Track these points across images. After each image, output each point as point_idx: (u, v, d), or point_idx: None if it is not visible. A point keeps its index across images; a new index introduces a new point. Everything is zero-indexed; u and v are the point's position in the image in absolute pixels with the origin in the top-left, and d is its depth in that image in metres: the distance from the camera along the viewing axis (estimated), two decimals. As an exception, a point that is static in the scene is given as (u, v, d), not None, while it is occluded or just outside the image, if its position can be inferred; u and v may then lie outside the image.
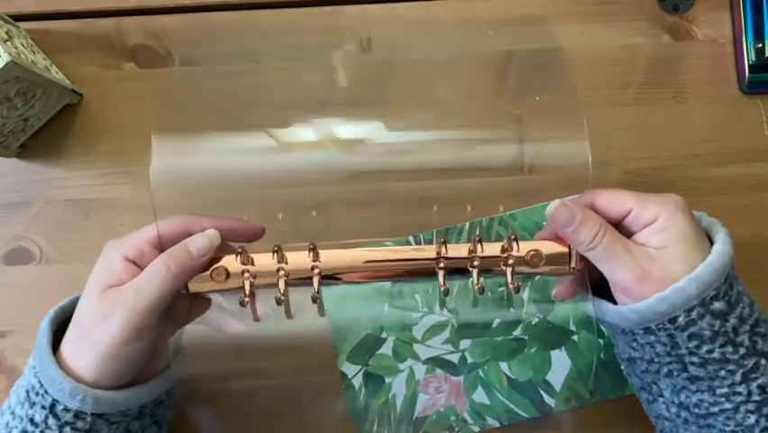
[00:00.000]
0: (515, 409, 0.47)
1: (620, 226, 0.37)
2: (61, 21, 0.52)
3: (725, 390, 0.34)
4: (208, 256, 0.37)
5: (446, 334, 0.48)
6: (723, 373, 0.34)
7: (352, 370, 0.47)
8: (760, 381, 0.34)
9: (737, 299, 0.35)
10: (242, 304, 0.38)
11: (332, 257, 0.39)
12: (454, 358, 0.48)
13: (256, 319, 0.39)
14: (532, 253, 0.38)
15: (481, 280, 0.39)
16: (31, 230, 0.50)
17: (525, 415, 0.47)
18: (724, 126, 0.51)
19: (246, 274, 0.38)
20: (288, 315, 0.39)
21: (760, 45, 0.50)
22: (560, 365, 0.47)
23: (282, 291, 0.38)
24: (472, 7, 0.52)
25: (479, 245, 0.38)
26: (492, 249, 0.39)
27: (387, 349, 0.48)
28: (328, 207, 0.48)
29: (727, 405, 0.35)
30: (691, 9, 0.52)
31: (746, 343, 0.34)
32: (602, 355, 0.47)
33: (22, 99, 0.46)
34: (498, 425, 0.47)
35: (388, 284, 0.48)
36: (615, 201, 0.37)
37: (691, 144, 0.51)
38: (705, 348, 0.34)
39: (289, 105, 0.51)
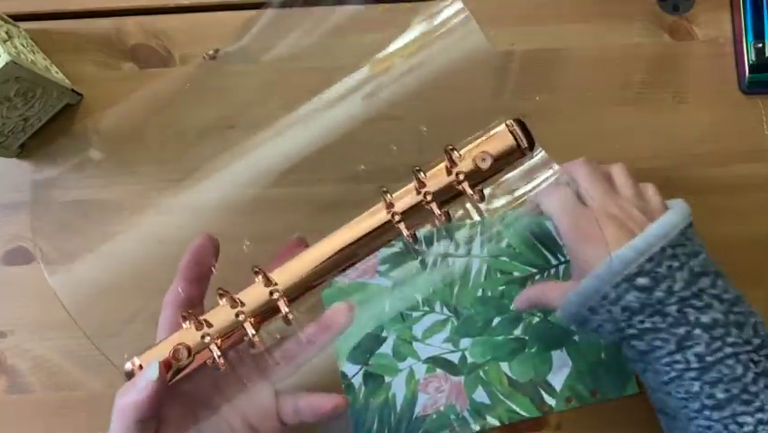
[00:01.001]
0: (515, 409, 0.47)
1: None
2: (61, 21, 0.52)
3: (666, 359, 0.37)
4: (156, 385, 0.33)
5: (446, 333, 0.48)
6: (658, 342, 0.37)
7: (351, 369, 0.47)
8: (696, 349, 0.36)
9: (666, 275, 0.37)
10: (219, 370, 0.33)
11: (287, 271, 0.34)
12: (455, 358, 0.48)
13: (244, 384, 0.35)
14: (480, 156, 0.34)
15: (444, 211, 0.35)
16: (30, 230, 0.50)
17: (526, 414, 0.47)
18: (724, 126, 0.51)
19: (207, 338, 0.33)
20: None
21: (760, 45, 0.50)
22: (560, 365, 0.47)
23: (253, 337, 0.33)
24: (472, 7, 0.52)
25: (421, 175, 0.35)
26: (438, 174, 0.35)
27: (387, 348, 0.48)
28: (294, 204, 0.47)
29: (673, 373, 0.37)
30: (691, 9, 0.52)
31: (674, 313, 0.37)
32: (602, 355, 0.47)
33: (22, 99, 0.46)
34: (498, 424, 0.47)
35: (387, 282, 0.48)
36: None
37: (691, 144, 0.51)
38: (636, 319, 0.37)
39: (289, 105, 0.51)
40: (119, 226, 0.41)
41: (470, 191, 0.34)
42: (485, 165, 0.34)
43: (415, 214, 0.35)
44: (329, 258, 0.35)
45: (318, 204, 0.49)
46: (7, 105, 0.45)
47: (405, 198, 0.35)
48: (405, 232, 0.35)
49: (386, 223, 0.35)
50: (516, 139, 0.35)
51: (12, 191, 0.50)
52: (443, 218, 0.35)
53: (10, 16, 0.48)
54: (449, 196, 0.35)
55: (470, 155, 0.35)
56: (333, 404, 0.38)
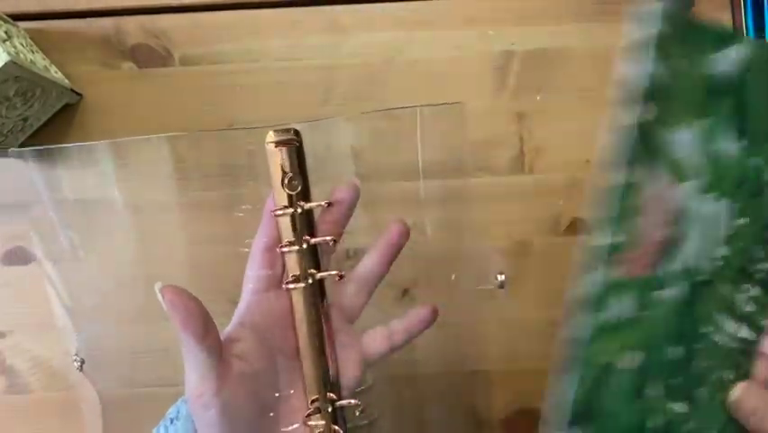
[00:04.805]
0: None
1: None
2: (61, 20, 0.52)
3: None
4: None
5: None
6: None
7: None
8: None
9: None
10: None
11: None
12: None
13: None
14: (287, 181, 0.36)
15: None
16: (30, 230, 0.50)
17: None
18: (724, 126, 0.51)
19: None
20: None
21: (760, 45, 0.50)
22: None
23: None
24: (472, 7, 0.52)
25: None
26: (284, 226, 0.36)
27: None
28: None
29: None
30: (692, 9, 0.52)
31: None
32: None
33: (22, 99, 0.46)
34: None
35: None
36: None
37: (692, 144, 0.51)
38: None
39: (290, 105, 0.51)
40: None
41: (313, 204, 0.36)
42: (294, 184, 0.36)
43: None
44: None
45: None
46: (6, 104, 0.45)
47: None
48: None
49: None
50: (282, 144, 0.36)
51: (11, 191, 0.50)
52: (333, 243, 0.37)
53: (9, 16, 0.48)
54: (308, 226, 0.37)
55: (281, 193, 0.36)
56: (429, 310, 0.38)
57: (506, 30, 0.52)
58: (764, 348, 0.34)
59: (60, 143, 0.50)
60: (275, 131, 0.36)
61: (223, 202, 0.49)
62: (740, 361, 0.34)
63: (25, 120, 0.48)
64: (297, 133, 0.36)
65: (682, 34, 0.27)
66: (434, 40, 0.52)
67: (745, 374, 0.34)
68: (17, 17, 0.50)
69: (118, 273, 0.48)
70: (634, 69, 0.27)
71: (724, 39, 0.28)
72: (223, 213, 0.49)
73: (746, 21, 0.50)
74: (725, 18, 0.52)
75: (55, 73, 0.49)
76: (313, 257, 0.37)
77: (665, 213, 0.29)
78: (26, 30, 0.50)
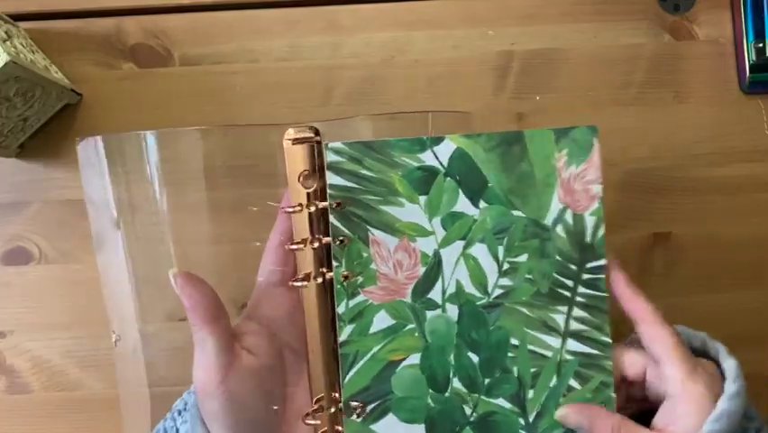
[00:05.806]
0: None
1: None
2: (61, 20, 0.52)
3: None
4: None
5: None
6: None
7: None
8: None
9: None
10: None
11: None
12: None
13: None
14: (303, 179, 0.36)
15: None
16: (30, 230, 0.50)
17: None
18: (724, 126, 0.51)
19: None
20: None
21: (760, 45, 0.50)
22: None
23: None
24: (472, 7, 0.52)
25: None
26: (299, 223, 0.36)
27: None
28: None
29: None
30: (692, 9, 0.52)
31: None
32: None
33: (22, 99, 0.46)
34: None
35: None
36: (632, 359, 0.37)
37: (691, 144, 0.51)
38: None
39: (289, 105, 0.51)
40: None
41: (326, 203, 0.36)
42: (310, 182, 0.36)
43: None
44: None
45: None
46: (6, 104, 0.45)
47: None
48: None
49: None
50: (300, 141, 0.36)
51: (11, 191, 0.50)
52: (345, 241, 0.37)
53: (10, 16, 0.48)
54: (322, 223, 0.37)
55: (297, 191, 0.36)
56: None
57: (506, 30, 0.52)
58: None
59: (61, 144, 0.50)
60: (294, 128, 0.36)
61: (238, 200, 0.49)
62: (583, 372, 0.38)
63: (25, 120, 0.48)
64: (316, 131, 0.36)
65: (370, 151, 0.36)
66: (434, 39, 0.52)
67: (594, 383, 0.38)
68: (17, 17, 0.50)
69: (143, 271, 0.48)
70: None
71: (409, 145, 0.37)
72: (237, 210, 0.49)
73: (746, 21, 0.50)
74: (725, 18, 0.52)
75: (55, 73, 0.49)
76: (325, 256, 0.37)
77: (407, 261, 0.37)
78: (26, 30, 0.50)
